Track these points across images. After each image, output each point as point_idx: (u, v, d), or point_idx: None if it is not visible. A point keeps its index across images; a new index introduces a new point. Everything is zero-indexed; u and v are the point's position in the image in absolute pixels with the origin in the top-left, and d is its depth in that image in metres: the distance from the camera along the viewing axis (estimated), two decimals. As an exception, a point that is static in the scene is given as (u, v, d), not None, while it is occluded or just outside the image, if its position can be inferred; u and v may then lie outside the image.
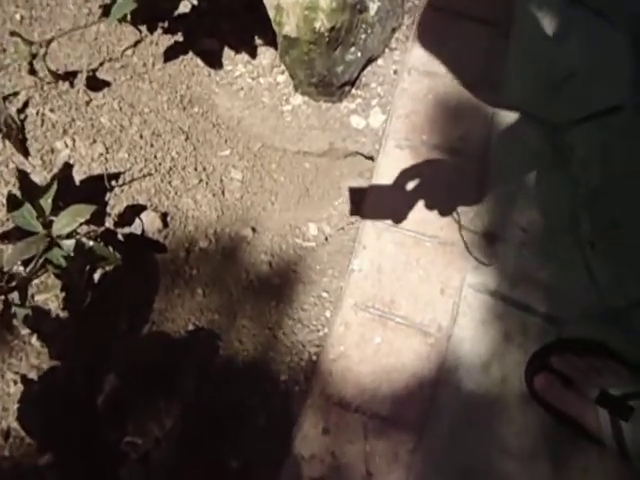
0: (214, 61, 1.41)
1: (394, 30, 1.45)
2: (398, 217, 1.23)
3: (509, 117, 1.33)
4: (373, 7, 1.31)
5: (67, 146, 1.21)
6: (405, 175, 1.26)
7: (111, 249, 1.18)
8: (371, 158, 1.50)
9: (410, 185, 1.25)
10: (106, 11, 1.36)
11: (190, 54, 1.40)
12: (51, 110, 1.24)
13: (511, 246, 1.19)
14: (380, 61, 1.45)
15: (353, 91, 1.45)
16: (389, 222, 1.24)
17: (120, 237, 1.19)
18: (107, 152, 1.23)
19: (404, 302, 1.17)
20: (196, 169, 1.34)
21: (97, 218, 1.17)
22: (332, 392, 1.10)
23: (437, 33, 1.44)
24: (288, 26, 1.20)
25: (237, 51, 1.43)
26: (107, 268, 1.17)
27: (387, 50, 1.46)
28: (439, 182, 1.26)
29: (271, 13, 1.22)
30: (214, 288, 1.25)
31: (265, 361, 1.17)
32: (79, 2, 1.37)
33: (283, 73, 1.44)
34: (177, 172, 1.31)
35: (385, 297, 1.17)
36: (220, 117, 1.42)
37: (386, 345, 1.13)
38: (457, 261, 1.18)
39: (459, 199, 1.23)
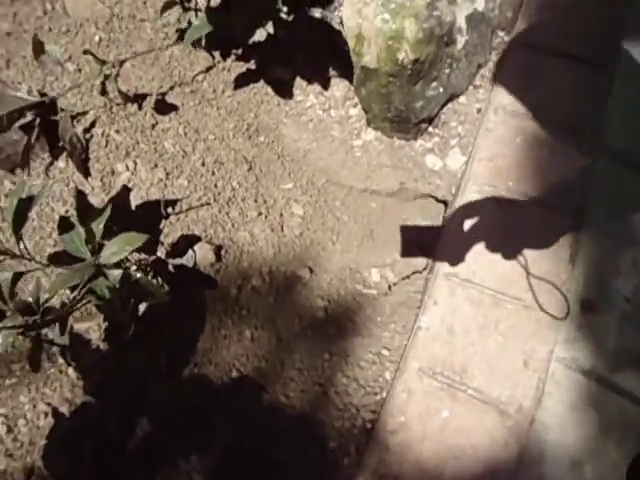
0: (285, 90, 1.35)
1: (480, 66, 1.33)
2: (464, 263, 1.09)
3: (609, 167, 1.16)
4: (461, 40, 1.21)
5: (128, 169, 1.16)
6: (483, 219, 1.12)
7: (159, 281, 1.11)
8: (444, 202, 1.37)
9: (488, 233, 1.11)
10: (182, 35, 1.34)
11: (261, 82, 1.35)
12: (117, 131, 1.20)
13: (611, 318, 1.01)
14: (462, 98, 1.33)
15: (430, 129, 1.34)
16: (464, 276, 1.09)
17: (171, 268, 1.12)
18: (167, 177, 1.17)
19: (478, 372, 1.01)
20: (256, 201, 1.26)
21: (149, 246, 1.11)
22: (387, 471, 0.94)
23: (526, 72, 1.31)
24: (368, 56, 1.11)
25: (309, 82, 1.36)
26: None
27: (471, 87, 1.34)
28: (525, 234, 1.10)
29: (351, 42, 1.14)
30: (263, 332, 1.14)
31: (313, 422, 1.04)
32: (157, 26, 1.36)
33: (356, 106, 1.36)
34: (236, 203, 1.24)
35: (456, 364, 1.02)
36: (286, 148, 1.35)
37: (454, 421, 0.97)
38: (544, 330, 1.02)
39: (548, 256, 1.07)
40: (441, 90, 1.25)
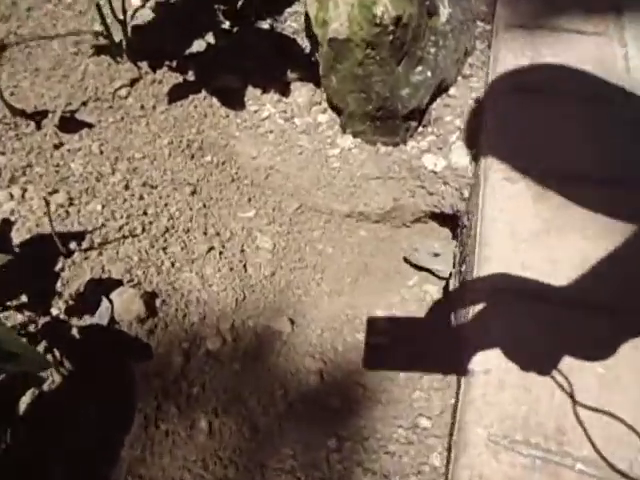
0: (235, 100, 1.07)
1: (467, 53, 1.11)
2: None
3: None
4: (444, 12, 0.99)
5: (12, 197, 0.80)
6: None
7: (56, 354, 0.70)
8: (454, 218, 1.06)
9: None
10: (99, 51, 1.08)
11: (203, 93, 1.07)
12: (1, 153, 0.86)
13: None
14: (453, 90, 1.09)
15: (421, 129, 1.07)
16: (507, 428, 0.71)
17: (75, 332, 0.72)
18: (71, 204, 0.82)
19: (582, 431, 0.62)
20: (205, 233, 0.91)
21: (39, 299, 0.72)
22: None
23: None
24: (336, 22, 0.86)
25: (265, 90, 1.09)
26: (44, 387, 0.68)
27: (460, 78, 1.11)
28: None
29: (311, 11, 0.89)
30: (227, 419, 0.72)
31: None
32: (67, 43, 1.08)
33: (325, 112, 1.09)
34: (176, 235, 0.88)
35: (546, 422, 0.63)
36: (242, 168, 1.03)
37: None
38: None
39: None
40: (429, 74, 1.00)
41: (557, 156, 0.88)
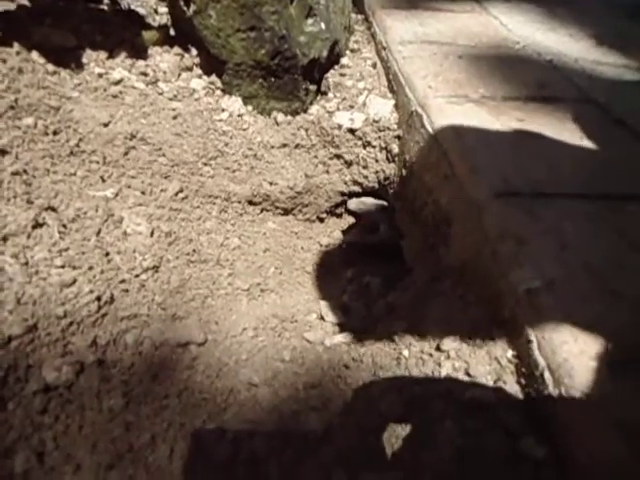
0: (68, 59, 0.76)
1: (350, 30, 1.01)
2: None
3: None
4: (327, -36, 0.88)
5: None
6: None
7: None
8: (383, 189, 0.86)
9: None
10: None
11: (16, 48, 0.73)
12: None
13: None
14: (345, 60, 0.95)
15: (319, 97, 0.89)
16: None
17: None
18: None
19: None
20: (30, 202, 0.53)
21: None
22: None
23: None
24: None
25: (111, 53, 0.80)
26: None
27: (348, 52, 0.99)
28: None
29: None
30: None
31: None
32: None
33: (200, 77, 0.83)
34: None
35: None
36: (87, 140, 0.69)
37: None
38: None
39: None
40: (322, 26, 0.85)
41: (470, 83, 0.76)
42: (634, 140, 0.64)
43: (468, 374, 0.44)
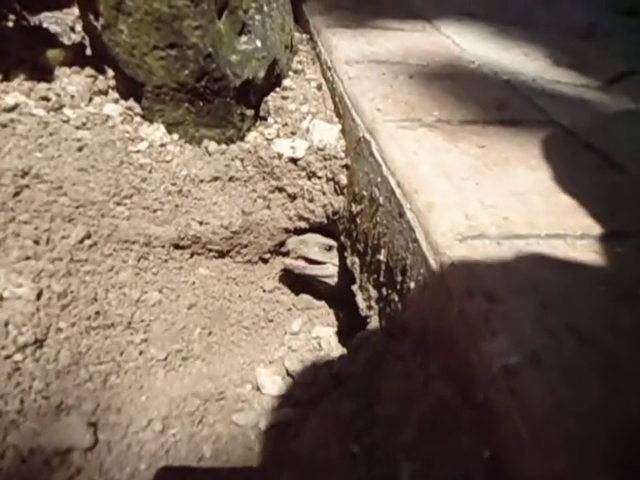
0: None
1: (293, 49, 0.92)
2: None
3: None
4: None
5: None
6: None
7: None
8: (332, 225, 0.76)
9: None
10: None
11: None
12: None
13: None
14: (288, 82, 0.86)
15: (258, 123, 0.79)
16: None
17: None
18: None
19: None
20: None
21: None
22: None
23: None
24: None
25: (7, 75, 0.68)
26: None
27: (292, 73, 0.89)
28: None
29: None
30: None
31: None
32: None
33: (117, 102, 0.72)
34: None
35: None
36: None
37: None
38: None
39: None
40: (258, 44, 0.75)
41: (426, 103, 0.68)
42: (607, 167, 0.57)
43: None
